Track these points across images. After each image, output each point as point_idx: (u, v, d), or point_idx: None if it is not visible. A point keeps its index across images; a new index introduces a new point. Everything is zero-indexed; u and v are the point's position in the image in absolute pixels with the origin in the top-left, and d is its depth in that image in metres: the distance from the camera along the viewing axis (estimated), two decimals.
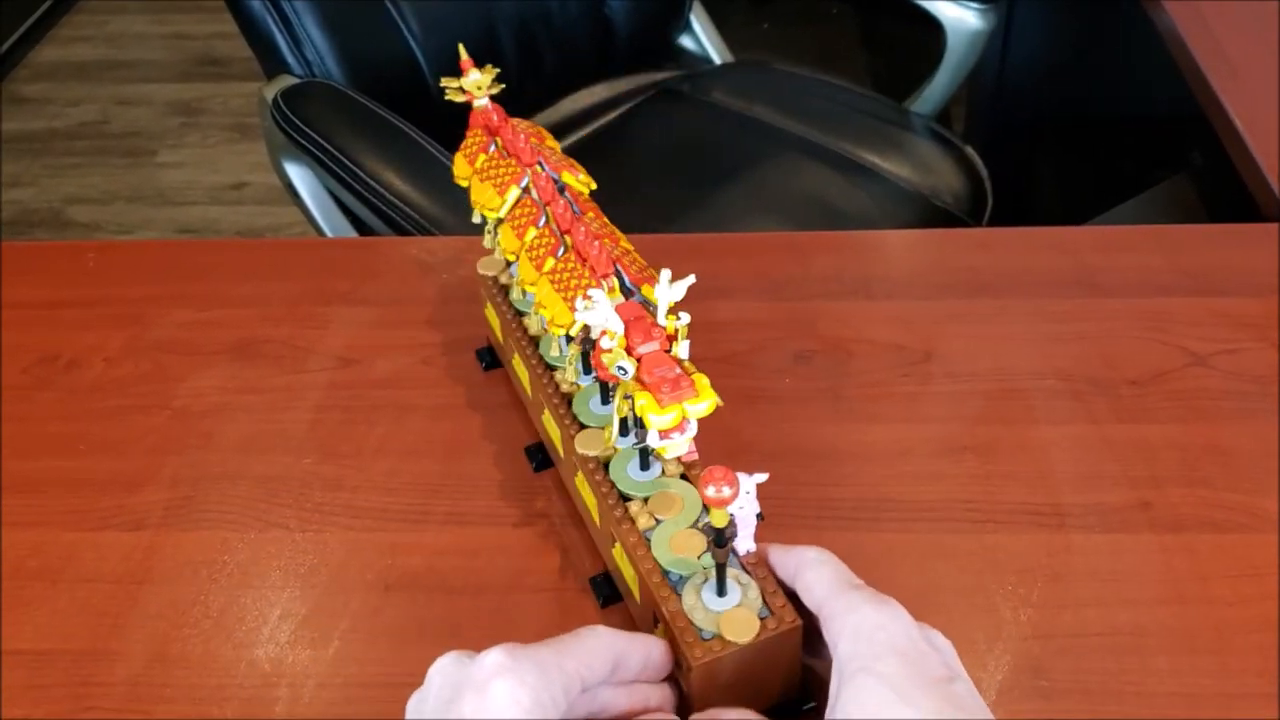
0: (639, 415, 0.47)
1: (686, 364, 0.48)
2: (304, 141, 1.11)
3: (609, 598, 0.57)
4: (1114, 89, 1.61)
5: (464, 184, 0.63)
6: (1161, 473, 0.62)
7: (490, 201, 0.59)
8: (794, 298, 0.75)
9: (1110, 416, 0.66)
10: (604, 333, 0.48)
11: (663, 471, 0.54)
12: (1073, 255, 0.78)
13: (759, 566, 0.49)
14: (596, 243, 0.53)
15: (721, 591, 0.48)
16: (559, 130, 1.41)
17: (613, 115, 1.43)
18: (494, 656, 0.42)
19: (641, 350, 0.48)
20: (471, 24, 1.28)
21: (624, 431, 0.55)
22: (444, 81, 0.63)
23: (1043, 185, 1.69)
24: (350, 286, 0.78)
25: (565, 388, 0.59)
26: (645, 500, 0.53)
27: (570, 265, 0.54)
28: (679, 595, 0.48)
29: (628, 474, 0.54)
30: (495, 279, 0.66)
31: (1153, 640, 0.54)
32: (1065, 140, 1.68)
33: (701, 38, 1.52)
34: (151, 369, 0.73)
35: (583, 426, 0.57)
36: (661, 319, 0.48)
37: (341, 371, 0.72)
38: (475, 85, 0.63)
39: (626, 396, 0.49)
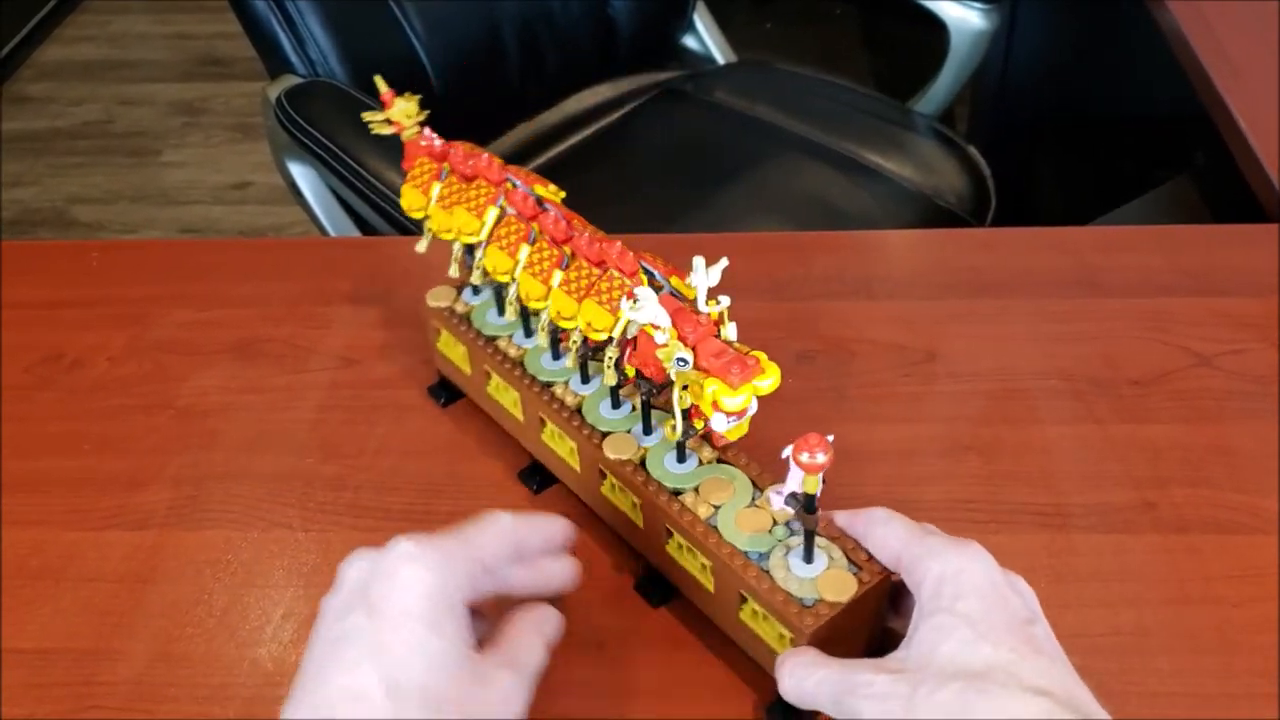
0: (702, 404, 0.48)
1: (739, 345, 0.49)
2: (307, 141, 1.11)
3: (663, 597, 0.57)
4: (1117, 89, 1.61)
5: (418, 215, 0.62)
6: (1164, 473, 0.62)
7: (468, 226, 0.59)
8: (796, 298, 0.75)
9: (1113, 417, 0.66)
10: (652, 328, 0.49)
11: (700, 461, 0.54)
12: (1075, 255, 0.78)
13: (829, 527, 0.51)
14: (617, 245, 0.53)
15: (809, 558, 0.49)
16: (562, 130, 1.42)
17: (615, 115, 1.43)
18: (401, 546, 0.45)
19: (695, 339, 0.49)
20: (474, 24, 1.29)
21: (647, 430, 0.56)
22: (365, 116, 0.62)
23: (1045, 185, 1.69)
24: (352, 286, 0.78)
25: (571, 400, 0.58)
26: (695, 490, 0.53)
27: (585, 272, 0.54)
28: (766, 572, 0.49)
29: (668, 469, 0.54)
30: (450, 310, 0.64)
31: (1156, 641, 0.54)
32: (1068, 140, 1.68)
33: (704, 37, 1.52)
34: (154, 368, 0.73)
35: (603, 435, 0.56)
36: (703, 305, 0.49)
37: (344, 371, 0.72)
38: (404, 115, 0.61)
39: (684, 387, 0.49)
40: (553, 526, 0.52)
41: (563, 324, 0.55)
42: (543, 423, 0.60)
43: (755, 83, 1.45)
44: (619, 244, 0.53)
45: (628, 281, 0.52)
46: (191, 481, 0.65)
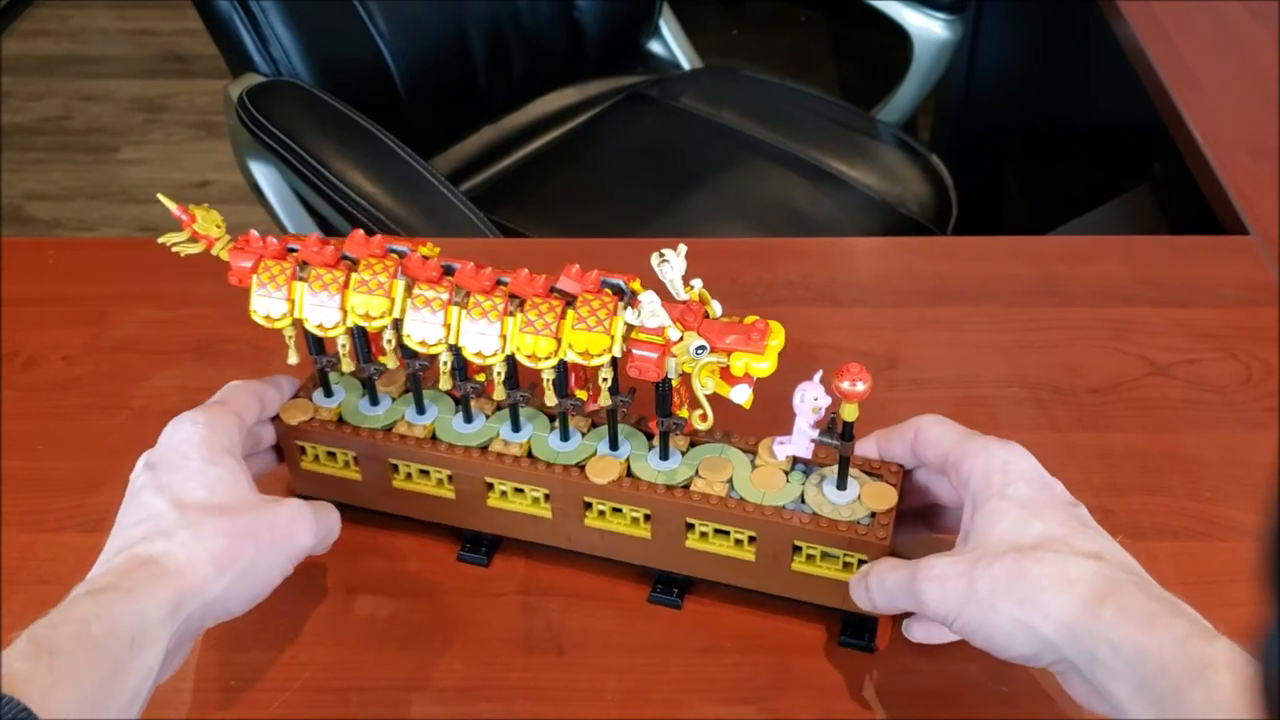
0: (732, 376, 0.50)
1: (730, 317, 0.51)
2: (269, 140, 1.10)
3: (681, 592, 0.57)
4: (1079, 100, 1.63)
5: (283, 324, 0.55)
6: (1122, 480, 0.63)
7: (377, 308, 0.53)
8: (760, 303, 0.75)
9: (1073, 424, 0.67)
10: (644, 332, 0.50)
11: (681, 453, 0.55)
12: (1037, 264, 0.79)
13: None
14: (574, 269, 0.52)
15: (844, 484, 0.52)
16: (527, 133, 1.41)
17: (582, 119, 1.43)
18: (182, 416, 0.52)
19: (697, 326, 0.50)
20: (440, 25, 1.28)
21: (615, 445, 0.55)
22: (165, 240, 0.56)
23: (1008, 194, 1.71)
24: None
25: (516, 450, 0.56)
26: (698, 476, 0.54)
27: (544, 308, 0.52)
28: (815, 514, 0.52)
29: (660, 470, 0.54)
30: (315, 420, 0.58)
31: None
32: (1030, 150, 1.70)
33: (671, 43, 1.53)
34: (112, 368, 0.72)
35: (569, 468, 0.55)
36: (681, 293, 0.50)
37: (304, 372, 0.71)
38: (212, 226, 0.57)
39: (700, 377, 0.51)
40: (285, 385, 0.59)
41: (539, 365, 0.52)
42: (489, 487, 0.57)
43: (721, 89, 1.45)
44: (575, 268, 0.52)
45: (606, 298, 0.51)
46: None
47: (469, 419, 0.58)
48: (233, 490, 0.50)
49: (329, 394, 0.60)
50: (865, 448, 0.54)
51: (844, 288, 0.77)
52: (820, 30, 2.61)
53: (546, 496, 0.56)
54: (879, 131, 1.40)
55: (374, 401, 0.59)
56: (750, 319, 0.50)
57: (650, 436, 0.56)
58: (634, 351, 0.50)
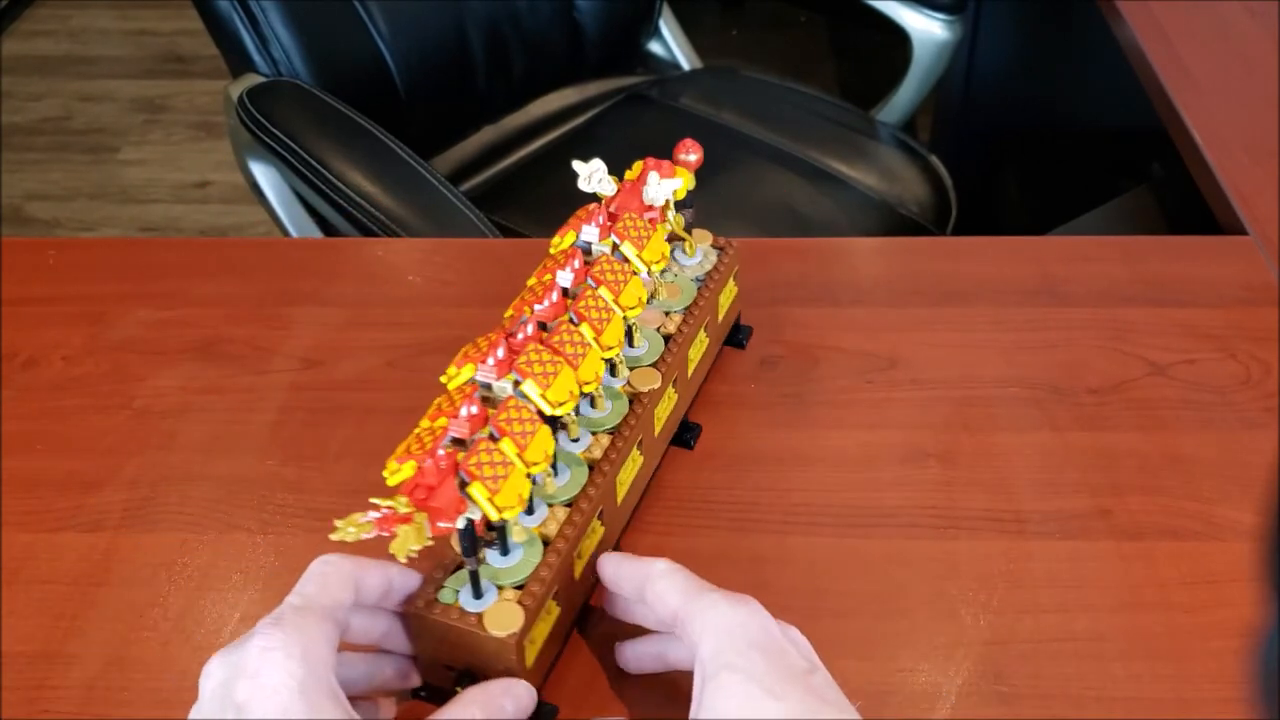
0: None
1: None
2: (269, 140, 1.10)
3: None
4: (1078, 100, 1.63)
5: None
6: (1121, 481, 0.63)
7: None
8: (760, 303, 0.75)
9: (1071, 424, 0.67)
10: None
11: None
12: (1036, 264, 0.79)
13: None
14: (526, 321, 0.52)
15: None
16: (527, 134, 1.41)
17: (581, 119, 1.43)
18: (255, 640, 0.42)
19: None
20: (440, 25, 1.28)
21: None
22: (343, 532, 0.45)
23: (1007, 195, 1.71)
24: (314, 287, 0.78)
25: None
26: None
27: (567, 333, 0.53)
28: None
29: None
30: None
31: (1111, 646, 0.55)
32: (1029, 150, 1.70)
33: (670, 44, 1.53)
34: (112, 368, 0.72)
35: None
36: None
37: (305, 373, 0.71)
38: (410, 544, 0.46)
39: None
40: (392, 573, 0.49)
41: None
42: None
43: (721, 89, 1.45)
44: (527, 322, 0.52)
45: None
46: (148, 483, 0.64)
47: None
48: None
49: (478, 595, 0.49)
50: (603, 566, 0.51)
51: (843, 288, 0.78)
52: (820, 30, 2.61)
53: None
54: (878, 132, 1.40)
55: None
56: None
57: None
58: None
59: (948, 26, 1.42)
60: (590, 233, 0.58)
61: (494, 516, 0.45)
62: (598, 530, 0.54)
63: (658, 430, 0.60)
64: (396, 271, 0.79)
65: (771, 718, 0.42)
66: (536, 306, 0.54)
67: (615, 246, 0.58)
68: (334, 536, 0.44)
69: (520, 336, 0.51)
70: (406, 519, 0.44)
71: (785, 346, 0.72)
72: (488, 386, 0.50)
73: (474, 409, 0.47)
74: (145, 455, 0.66)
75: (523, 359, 0.50)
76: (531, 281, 0.57)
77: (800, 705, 0.42)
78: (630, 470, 0.57)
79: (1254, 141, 0.91)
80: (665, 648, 0.51)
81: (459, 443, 0.47)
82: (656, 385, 0.58)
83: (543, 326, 0.53)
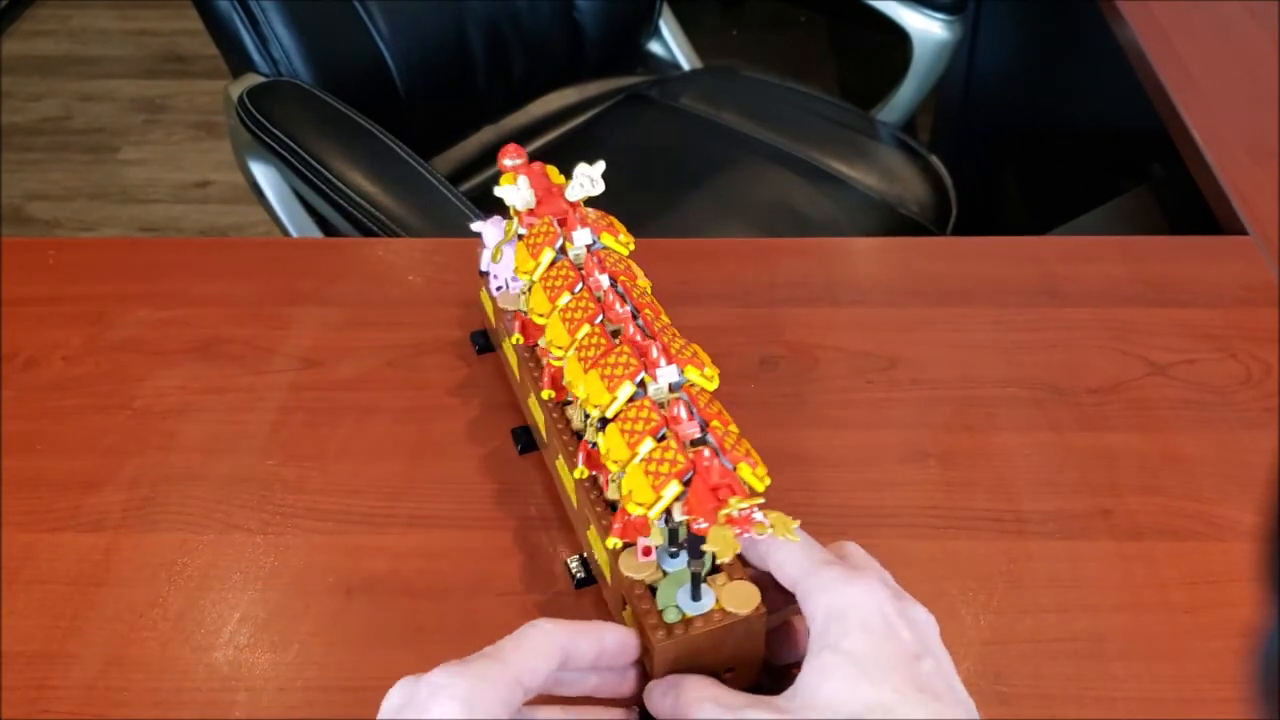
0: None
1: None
2: (270, 140, 1.10)
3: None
4: (1078, 100, 1.63)
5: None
6: (1120, 481, 0.63)
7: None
8: (760, 303, 0.75)
9: (1071, 424, 0.67)
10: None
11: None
12: (1036, 264, 0.79)
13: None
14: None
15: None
16: (527, 134, 1.41)
17: (581, 119, 1.43)
18: (434, 677, 0.43)
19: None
20: (440, 25, 1.28)
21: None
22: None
23: (1007, 194, 1.71)
24: (314, 287, 0.78)
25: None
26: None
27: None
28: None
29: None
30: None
31: (1110, 646, 0.55)
32: (1030, 150, 1.70)
33: (670, 44, 1.53)
34: (112, 368, 0.72)
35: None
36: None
37: (305, 373, 0.71)
38: None
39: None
40: (606, 633, 0.47)
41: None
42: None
43: (721, 89, 1.45)
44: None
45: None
46: (148, 483, 0.64)
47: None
48: None
49: (698, 597, 0.49)
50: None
51: (843, 288, 0.78)
52: (820, 30, 2.61)
53: None
54: (878, 132, 1.40)
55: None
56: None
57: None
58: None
59: (948, 26, 1.42)
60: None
61: (760, 487, 0.46)
62: None
63: None
64: (396, 271, 0.79)
65: (860, 701, 0.41)
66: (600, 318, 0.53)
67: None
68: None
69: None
70: (761, 508, 0.45)
71: (785, 346, 0.72)
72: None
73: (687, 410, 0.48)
74: (145, 455, 0.66)
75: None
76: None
77: (895, 692, 0.41)
78: None
79: (1254, 141, 0.91)
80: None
81: (697, 443, 0.47)
82: None
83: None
